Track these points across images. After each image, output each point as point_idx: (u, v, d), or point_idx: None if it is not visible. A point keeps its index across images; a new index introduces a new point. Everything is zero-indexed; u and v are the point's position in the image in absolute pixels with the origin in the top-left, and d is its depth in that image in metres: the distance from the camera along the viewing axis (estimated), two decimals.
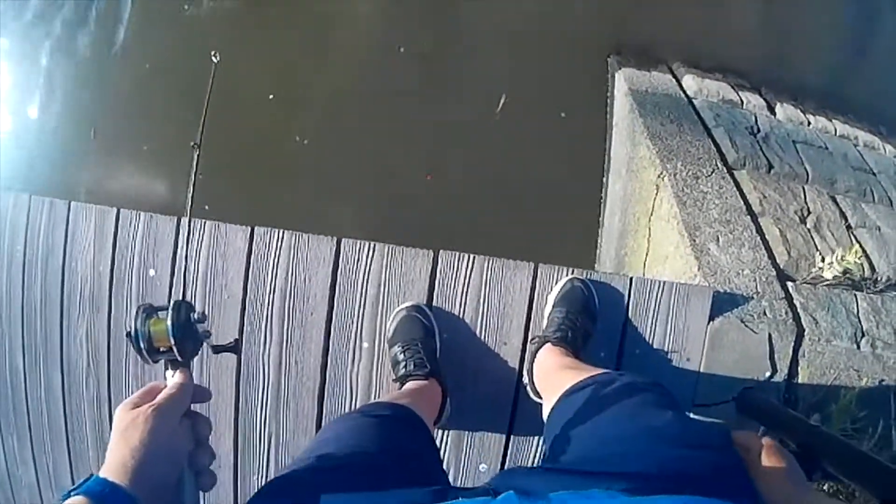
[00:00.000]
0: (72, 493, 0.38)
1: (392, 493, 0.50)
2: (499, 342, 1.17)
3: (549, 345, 1.06)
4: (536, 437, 1.19)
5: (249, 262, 1.22)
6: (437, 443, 1.12)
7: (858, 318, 1.35)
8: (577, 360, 1.01)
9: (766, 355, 1.22)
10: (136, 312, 0.45)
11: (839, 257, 1.38)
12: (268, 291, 1.22)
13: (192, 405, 0.48)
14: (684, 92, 1.96)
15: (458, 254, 1.17)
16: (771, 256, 1.41)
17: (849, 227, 1.61)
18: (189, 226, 0.56)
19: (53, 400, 1.43)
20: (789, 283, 1.36)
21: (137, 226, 1.30)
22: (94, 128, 2.24)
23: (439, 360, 1.12)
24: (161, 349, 0.45)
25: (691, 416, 1.16)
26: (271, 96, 2.13)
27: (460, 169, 2.07)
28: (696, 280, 1.32)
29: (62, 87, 2.31)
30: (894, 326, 1.37)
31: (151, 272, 1.29)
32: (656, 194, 1.57)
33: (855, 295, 1.40)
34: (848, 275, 1.41)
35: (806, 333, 1.26)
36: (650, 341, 1.18)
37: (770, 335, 1.22)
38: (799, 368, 1.25)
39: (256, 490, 0.50)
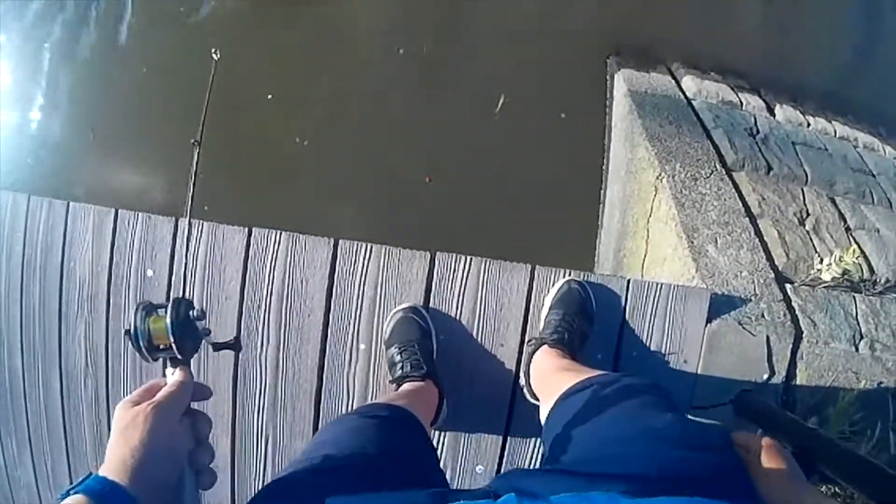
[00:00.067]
0: (71, 492, 0.37)
1: (392, 494, 0.50)
2: (495, 344, 1.17)
3: (545, 346, 1.06)
4: (533, 439, 1.18)
5: (247, 264, 1.23)
6: (434, 444, 1.12)
7: (857, 320, 1.35)
8: (574, 362, 1.01)
9: (764, 357, 1.22)
10: (136, 310, 0.45)
11: (838, 259, 1.38)
12: (265, 293, 1.22)
13: (192, 403, 0.48)
14: (683, 93, 1.96)
15: (454, 255, 1.17)
16: (769, 258, 1.41)
17: (848, 229, 1.60)
18: (188, 227, 0.56)
19: (52, 400, 1.43)
20: (787, 285, 1.36)
21: (136, 226, 1.30)
22: (93, 128, 2.25)
23: (436, 362, 1.11)
24: (161, 347, 0.45)
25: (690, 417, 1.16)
26: (270, 96, 2.13)
27: (460, 170, 2.07)
28: (694, 282, 1.31)
29: (61, 88, 2.31)
30: (893, 328, 1.37)
31: (149, 273, 1.29)
32: (655, 196, 1.57)
33: (854, 297, 1.39)
34: (847, 277, 1.40)
35: (804, 335, 1.26)
36: (647, 343, 1.17)
37: (768, 337, 1.22)
38: (797, 371, 1.25)
39: (253, 490, 0.50)
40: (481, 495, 0.48)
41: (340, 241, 1.19)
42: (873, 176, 1.86)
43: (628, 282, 1.17)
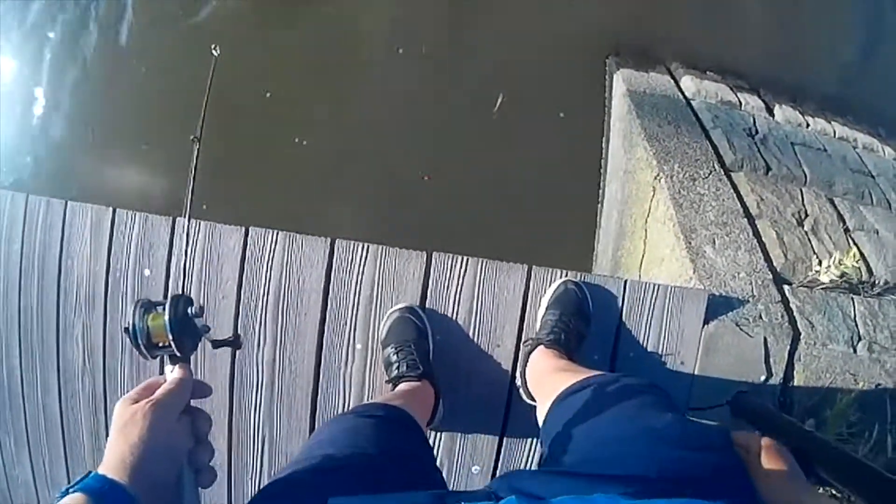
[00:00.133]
0: (70, 490, 0.37)
1: (393, 496, 0.50)
2: (492, 344, 1.17)
3: (542, 347, 1.06)
4: (529, 440, 1.18)
5: (244, 263, 1.23)
6: (430, 444, 1.12)
7: (855, 321, 1.35)
8: (571, 363, 1.01)
9: (762, 359, 1.22)
10: (134, 308, 0.45)
11: (836, 260, 1.37)
12: (262, 292, 1.22)
13: (192, 401, 0.47)
14: (682, 93, 1.95)
15: (451, 256, 1.17)
16: (767, 259, 1.41)
17: (847, 230, 1.60)
18: (187, 223, 0.56)
19: (49, 399, 1.43)
20: (785, 287, 1.35)
21: (133, 226, 1.30)
22: (93, 127, 2.25)
23: (432, 362, 1.12)
24: (160, 344, 0.45)
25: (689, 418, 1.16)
26: (268, 94, 2.13)
27: (458, 169, 2.06)
28: (692, 283, 1.31)
29: (61, 87, 2.31)
30: (892, 330, 1.36)
31: (147, 272, 1.30)
32: (653, 196, 1.56)
33: (852, 298, 1.39)
34: (845, 278, 1.40)
35: (802, 337, 1.26)
36: (644, 344, 1.17)
37: (765, 339, 1.22)
38: (794, 372, 1.25)
39: (250, 489, 0.50)
40: (482, 497, 0.48)
41: (337, 241, 1.19)
42: (872, 177, 1.85)
43: (625, 282, 1.17)
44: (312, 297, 1.20)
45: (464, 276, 1.17)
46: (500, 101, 2.05)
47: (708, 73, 2.09)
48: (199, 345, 0.49)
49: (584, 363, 1.02)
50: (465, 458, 1.20)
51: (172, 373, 0.47)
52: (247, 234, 1.22)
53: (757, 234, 1.46)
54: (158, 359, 0.47)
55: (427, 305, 1.18)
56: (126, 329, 0.44)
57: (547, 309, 1.13)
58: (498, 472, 1.20)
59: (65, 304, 1.38)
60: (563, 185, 2.06)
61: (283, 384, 1.23)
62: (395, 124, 2.10)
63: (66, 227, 1.37)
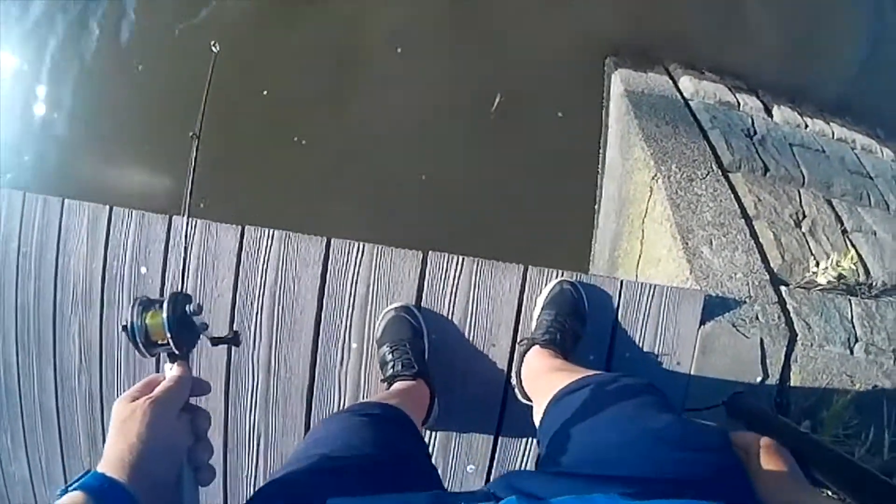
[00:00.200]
0: (69, 489, 0.37)
1: (392, 496, 0.50)
2: (487, 344, 1.17)
3: (537, 347, 1.05)
4: (524, 439, 1.18)
5: (240, 262, 1.23)
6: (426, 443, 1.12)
7: (852, 323, 1.34)
8: (567, 362, 1.01)
9: (758, 360, 1.22)
10: (133, 306, 0.45)
11: (834, 262, 1.37)
12: (258, 291, 1.22)
13: (191, 398, 0.47)
14: (681, 93, 1.95)
15: (447, 255, 1.17)
16: (764, 260, 1.40)
17: (844, 232, 1.60)
18: (186, 224, 0.56)
19: (46, 396, 1.44)
20: (782, 288, 1.35)
21: (130, 224, 1.30)
22: (90, 125, 2.25)
23: (427, 361, 1.12)
24: (158, 342, 0.45)
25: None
26: (265, 92, 2.13)
27: (455, 169, 2.06)
28: (689, 283, 1.31)
29: (58, 85, 2.31)
30: (889, 332, 1.36)
31: (143, 270, 1.30)
32: (650, 196, 1.56)
33: (849, 300, 1.39)
34: (842, 280, 1.40)
35: (798, 338, 1.26)
36: (640, 345, 1.17)
37: (762, 340, 1.22)
38: (791, 374, 1.25)
39: (245, 486, 0.50)
40: (481, 497, 0.48)
41: (333, 240, 1.19)
42: (871, 178, 1.85)
43: (621, 283, 1.17)
44: (308, 295, 1.20)
45: (459, 275, 1.17)
46: (497, 100, 2.05)
47: (706, 73, 2.08)
48: (197, 342, 0.48)
49: (579, 363, 1.02)
50: (460, 458, 1.20)
51: (171, 370, 0.47)
52: (243, 233, 1.22)
53: (754, 234, 1.45)
54: (155, 356, 0.46)
55: (423, 305, 1.18)
56: (124, 327, 0.44)
57: (543, 309, 1.13)
58: (493, 471, 1.20)
59: (61, 302, 1.38)
60: (561, 185, 2.06)
61: (279, 382, 1.23)
62: (393, 123, 2.10)
63: (62, 225, 1.37)
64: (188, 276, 1.23)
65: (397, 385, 1.04)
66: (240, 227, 1.23)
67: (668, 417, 0.59)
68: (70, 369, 1.39)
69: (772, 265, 1.41)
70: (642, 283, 1.17)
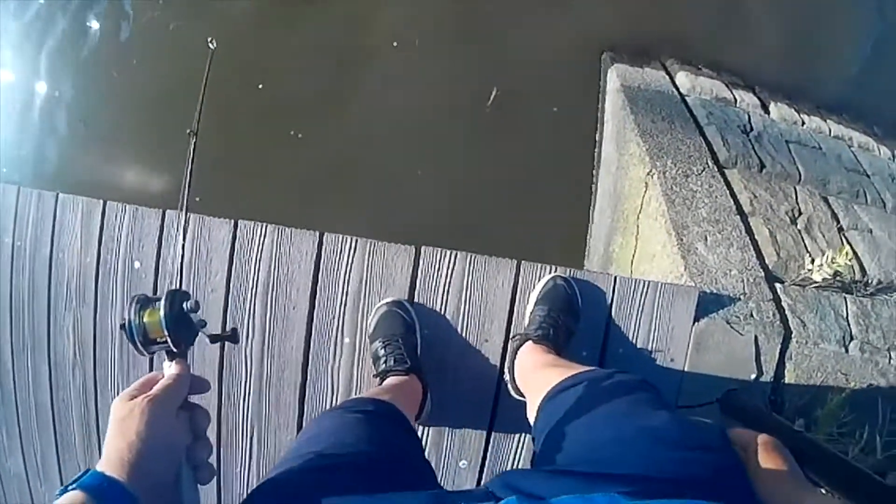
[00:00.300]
0: (69, 488, 0.37)
1: (390, 496, 0.50)
2: (480, 339, 1.17)
3: (530, 342, 1.05)
4: (517, 435, 1.18)
5: (233, 256, 1.22)
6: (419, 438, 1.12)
7: (847, 321, 1.34)
8: (560, 358, 1.00)
9: (752, 357, 1.22)
10: (131, 304, 0.45)
11: (829, 259, 1.37)
12: (250, 285, 1.22)
13: (190, 396, 0.47)
14: (677, 89, 1.94)
15: (440, 250, 1.16)
16: (760, 257, 1.40)
17: (840, 229, 1.59)
18: (184, 219, 0.55)
19: (41, 390, 1.44)
20: (777, 285, 1.35)
21: (123, 218, 1.30)
22: (84, 120, 2.25)
23: (420, 357, 1.11)
24: (156, 340, 0.45)
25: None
26: (260, 86, 2.12)
27: (450, 164, 2.06)
28: (683, 280, 1.31)
29: (54, 80, 2.31)
30: (884, 330, 1.36)
31: (137, 264, 1.29)
32: (645, 192, 1.56)
33: (845, 298, 1.38)
34: (838, 277, 1.39)
35: (793, 336, 1.25)
36: (634, 341, 1.17)
37: (756, 337, 1.22)
38: (785, 371, 1.24)
39: (239, 482, 0.49)
40: (480, 497, 0.48)
41: (325, 235, 1.19)
42: (867, 176, 1.84)
43: (615, 279, 1.17)
44: (301, 290, 1.20)
45: (452, 270, 1.16)
46: (493, 95, 2.04)
47: (703, 69, 2.08)
48: (195, 340, 0.48)
49: (572, 359, 1.02)
50: (452, 453, 1.20)
51: (170, 368, 0.46)
52: (236, 227, 1.22)
53: (749, 231, 1.45)
54: (153, 354, 0.46)
55: (415, 299, 1.17)
56: (122, 325, 0.44)
57: (536, 304, 1.12)
58: (486, 466, 1.20)
59: (55, 297, 1.38)
60: (557, 179, 2.05)
61: (272, 377, 1.23)
62: (390, 119, 2.10)
63: (56, 220, 1.37)
64: (182, 271, 1.23)
65: (390, 380, 1.03)
66: (233, 222, 1.22)
67: (664, 415, 0.59)
68: (64, 364, 1.39)
69: (767, 262, 1.40)
70: (636, 279, 1.17)
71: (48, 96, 2.31)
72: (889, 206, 1.76)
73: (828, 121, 2.02)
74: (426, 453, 1.18)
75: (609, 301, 1.16)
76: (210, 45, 0.56)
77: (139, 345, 0.44)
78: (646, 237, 1.55)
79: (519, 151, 2.04)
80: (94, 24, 2.27)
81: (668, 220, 1.41)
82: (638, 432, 0.56)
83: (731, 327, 1.21)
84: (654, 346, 1.17)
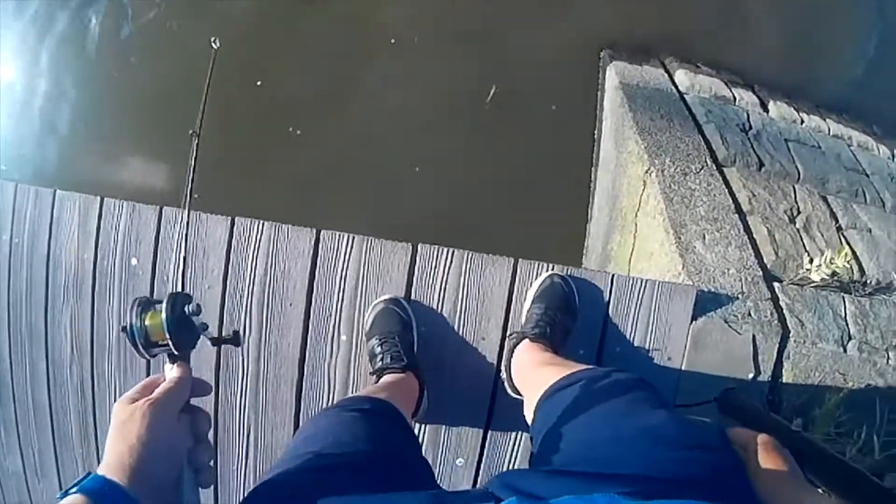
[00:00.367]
0: (70, 491, 0.37)
1: (389, 496, 0.49)
2: (477, 337, 1.17)
3: (527, 340, 1.05)
4: (514, 433, 1.18)
5: (230, 253, 1.22)
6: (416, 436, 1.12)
7: (846, 320, 1.34)
8: (557, 357, 1.00)
9: (750, 356, 1.21)
10: (132, 306, 0.45)
11: (828, 259, 1.37)
12: (247, 283, 1.22)
13: (191, 399, 0.47)
14: (676, 87, 1.94)
15: (436, 247, 1.16)
16: (758, 256, 1.40)
17: (839, 229, 1.59)
18: (187, 218, 0.55)
19: (38, 388, 1.44)
20: (776, 284, 1.34)
21: (120, 215, 1.30)
22: (85, 119, 2.25)
23: (417, 354, 1.11)
24: (158, 343, 0.45)
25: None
26: (259, 83, 2.12)
27: (448, 160, 2.06)
28: (681, 278, 1.30)
29: (54, 79, 2.31)
30: (882, 330, 1.35)
31: (134, 261, 1.29)
32: (643, 190, 1.55)
33: (843, 297, 1.38)
34: (836, 277, 1.39)
35: (791, 335, 1.25)
36: (631, 339, 1.17)
37: (754, 336, 1.21)
38: (783, 370, 1.24)
39: (236, 481, 0.49)
40: (480, 497, 0.48)
41: (322, 232, 1.19)
42: (867, 175, 1.84)
43: (612, 277, 1.17)
44: (298, 287, 1.20)
45: (449, 267, 1.16)
46: (492, 92, 2.04)
47: (702, 67, 2.07)
48: (197, 343, 0.48)
49: (569, 357, 1.01)
50: (449, 451, 1.20)
51: (171, 371, 0.46)
52: (233, 224, 1.22)
53: (748, 230, 1.45)
54: (155, 357, 0.46)
55: (412, 297, 1.17)
56: (124, 328, 0.44)
57: (533, 302, 1.12)
58: (482, 464, 1.19)
59: (53, 293, 1.38)
60: (555, 178, 2.05)
61: (269, 374, 1.23)
62: (389, 117, 2.10)
63: (54, 216, 1.37)
64: (179, 268, 1.23)
65: (386, 378, 1.03)
66: (230, 219, 1.22)
67: (662, 414, 0.58)
68: (62, 361, 1.39)
69: (765, 261, 1.40)
70: (634, 278, 1.17)
71: (48, 95, 2.31)
72: (888, 205, 1.76)
73: (827, 120, 2.01)
74: (423, 451, 1.18)
75: (606, 299, 1.16)
76: (213, 44, 0.56)
77: (140, 348, 0.44)
78: (644, 235, 1.55)
79: (518, 150, 2.04)
80: (94, 23, 2.27)
81: (666, 219, 1.41)
82: (636, 431, 0.56)
83: (729, 326, 1.21)
84: (651, 344, 1.17)
